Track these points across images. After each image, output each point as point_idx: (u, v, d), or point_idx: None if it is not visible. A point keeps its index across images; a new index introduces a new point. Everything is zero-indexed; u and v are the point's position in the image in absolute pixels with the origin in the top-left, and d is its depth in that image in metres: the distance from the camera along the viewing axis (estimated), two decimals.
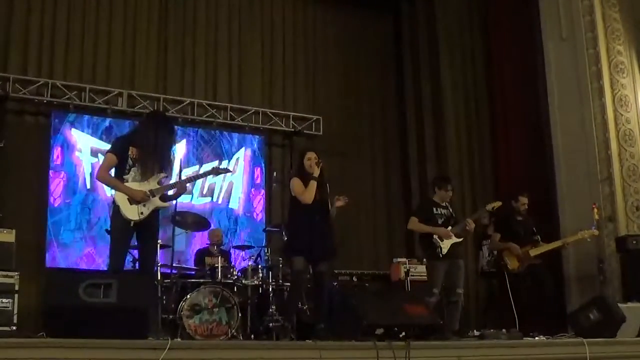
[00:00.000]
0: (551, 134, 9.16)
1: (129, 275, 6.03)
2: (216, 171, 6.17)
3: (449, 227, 7.09)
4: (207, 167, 9.45)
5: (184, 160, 9.48)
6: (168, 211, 6.58)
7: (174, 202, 5.80)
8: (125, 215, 5.40)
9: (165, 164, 5.68)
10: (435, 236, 7.06)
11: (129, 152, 5.50)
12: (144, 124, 5.85)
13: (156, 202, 5.52)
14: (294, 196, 6.31)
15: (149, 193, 5.46)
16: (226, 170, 6.35)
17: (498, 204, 7.38)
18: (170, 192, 5.67)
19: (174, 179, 5.98)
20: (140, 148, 5.51)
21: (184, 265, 8.14)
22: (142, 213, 5.43)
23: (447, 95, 10.79)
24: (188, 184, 5.89)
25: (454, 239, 7.09)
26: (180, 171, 6.82)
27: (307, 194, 6.19)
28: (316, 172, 6.24)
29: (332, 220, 6.42)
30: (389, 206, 11.08)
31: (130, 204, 5.40)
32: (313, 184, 6.20)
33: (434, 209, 7.25)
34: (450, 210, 7.32)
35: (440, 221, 7.16)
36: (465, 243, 9.66)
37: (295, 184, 6.30)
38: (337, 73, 11.19)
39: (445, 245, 7.04)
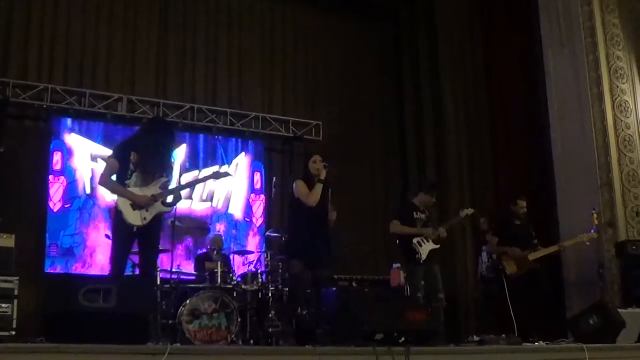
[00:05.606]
0: (551, 139, 9.16)
1: (128, 280, 6.03)
2: (216, 175, 6.21)
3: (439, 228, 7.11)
4: (206, 171, 9.46)
5: (183, 165, 9.48)
6: (167, 216, 6.57)
7: (175, 207, 5.78)
8: (128, 221, 5.38)
9: (166, 168, 5.68)
10: (414, 241, 7.01)
11: (130, 158, 5.49)
12: (145, 129, 5.87)
13: (159, 206, 5.51)
14: (297, 198, 6.27)
15: (152, 197, 5.46)
16: (226, 174, 6.35)
17: (471, 211, 7.43)
18: (171, 198, 5.66)
19: (174, 184, 5.97)
20: (141, 153, 5.50)
21: (184, 270, 8.13)
22: (144, 218, 5.41)
23: (446, 100, 10.79)
24: (188, 189, 5.89)
25: (432, 245, 7.07)
26: (180, 176, 6.83)
27: (312, 196, 6.13)
28: (323, 174, 6.20)
29: (331, 225, 6.39)
30: (389, 211, 11.00)
31: (133, 209, 5.39)
32: (319, 187, 6.16)
33: (414, 213, 7.22)
34: (427, 214, 7.32)
35: (419, 225, 7.13)
36: (464, 249, 9.72)
37: (300, 186, 6.25)
38: (336, 78, 11.19)
39: (424, 251, 7.02)
